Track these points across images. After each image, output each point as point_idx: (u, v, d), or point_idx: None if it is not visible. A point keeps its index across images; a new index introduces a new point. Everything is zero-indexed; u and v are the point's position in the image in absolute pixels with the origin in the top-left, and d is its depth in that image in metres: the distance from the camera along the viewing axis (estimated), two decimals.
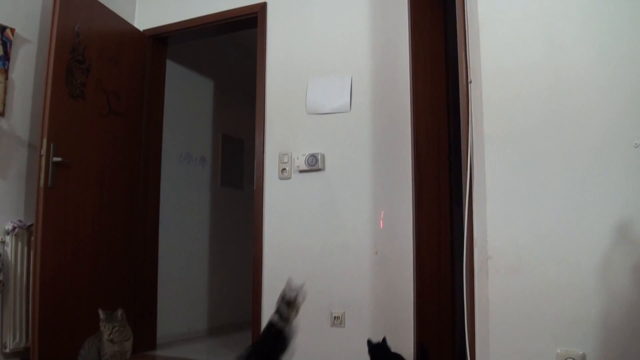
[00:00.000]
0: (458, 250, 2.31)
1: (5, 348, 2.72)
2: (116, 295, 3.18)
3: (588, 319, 1.74)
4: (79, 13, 3.01)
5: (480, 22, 2.05)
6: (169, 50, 3.85)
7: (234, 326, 4.44)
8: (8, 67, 2.90)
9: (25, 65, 3.03)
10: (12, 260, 2.78)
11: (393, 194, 2.79)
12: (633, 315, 1.68)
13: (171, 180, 3.92)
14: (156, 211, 3.63)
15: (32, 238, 2.78)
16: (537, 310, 1.82)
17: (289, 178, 3.05)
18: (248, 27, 3.46)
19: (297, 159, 3.02)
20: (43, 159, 2.75)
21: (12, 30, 2.92)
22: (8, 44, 2.89)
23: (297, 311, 2.20)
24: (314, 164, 2.96)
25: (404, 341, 2.62)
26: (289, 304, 2.19)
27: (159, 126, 3.70)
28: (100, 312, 2.35)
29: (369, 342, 2.42)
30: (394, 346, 2.45)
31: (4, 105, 2.87)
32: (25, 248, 2.86)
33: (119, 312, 2.36)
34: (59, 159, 2.79)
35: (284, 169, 3.06)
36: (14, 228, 2.80)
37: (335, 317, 2.82)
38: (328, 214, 2.93)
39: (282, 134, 3.12)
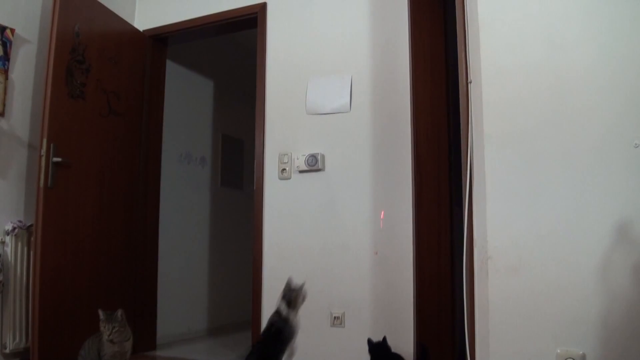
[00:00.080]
0: (458, 250, 2.31)
1: (5, 348, 2.71)
2: (116, 296, 3.18)
3: (588, 319, 1.74)
4: (79, 13, 3.02)
5: (480, 22, 2.05)
6: (169, 51, 3.85)
7: (234, 326, 4.44)
8: (8, 68, 2.90)
9: (25, 66, 3.03)
10: (12, 261, 2.78)
11: (393, 194, 2.79)
12: (633, 315, 1.68)
13: (171, 180, 3.92)
14: (156, 211, 3.63)
15: (32, 238, 2.78)
16: (537, 310, 1.82)
17: (289, 178, 3.05)
18: (248, 27, 3.46)
19: (297, 159, 3.02)
20: (43, 159, 2.75)
21: (12, 30, 2.92)
22: (8, 44, 2.89)
23: (297, 311, 2.20)
24: (314, 164, 2.96)
25: (404, 341, 2.62)
26: (289, 303, 2.19)
27: (159, 126, 3.70)
28: (100, 313, 2.35)
29: (369, 341, 2.42)
30: (394, 346, 2.45)
31: (4, 105, 2.87)
32: (25, 248, 2.86)
33: (119, 312, 2.36)
34: (58, 159, 2.79)
35: (284, 169, 3.06)
36: (14, 228, 2.80)
37: (335, 317, 2.82)
38: (328, 214, 2.93)
39: (282, 134, 3.12)
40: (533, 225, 1.87)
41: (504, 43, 2.01)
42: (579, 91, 1.86)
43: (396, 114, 2.84)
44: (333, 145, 2.97)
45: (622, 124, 1.78)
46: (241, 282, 4.49)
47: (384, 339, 2.41)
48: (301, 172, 3.02)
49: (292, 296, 2.19)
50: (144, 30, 3.64)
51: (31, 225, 2.84)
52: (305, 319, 2.40)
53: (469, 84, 2.07)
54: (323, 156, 2.98)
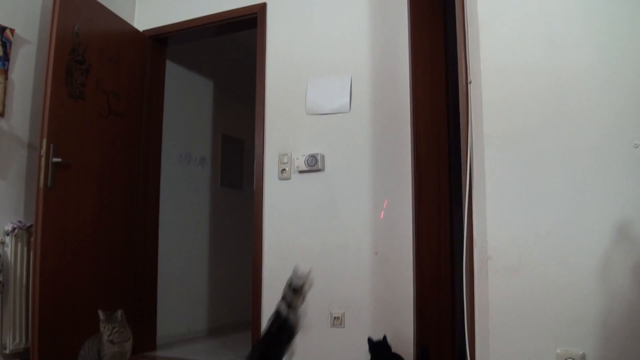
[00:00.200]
0: (458, 250, 2.31)
1: (5, 349, 2.71)
2: (116, 296, 3.18)
3: (588, 319, 1.74)
4: (78, 13, 3.01)
5: (480, 22, 2.05)
6: (169, 51, 3.85)
7: (234, 326, 4.44)
8: (8, 68, 2.90)
9: (25, 66, 3.03)
10: (12, 261, 2.78)
11: (393, 194, 2.79)
12: (633, 315, 1.69)
13: (171, 180, 3.92)
14: (156, 211, 3.63)
15: (32, 239, 2.78)
16: (537, 310, 1.82)
17: (289, 178, 3.05)
18: (248, 27, 3.46)
19: (297, 159, 3.02)
20: (43, 159, 2.75)
21: (12, 30, 2.92)
22: (8, 45, 2.89)
23: (303, 298, 2.19)
24: (314, 165, 2.96)
25: (404, 341, 2.62)
26: (295, 291, 2.18)
27: (158, 126, 3.70)
28: (100, 313, 2.35)
29: (370, 340, 2.42)
30: (394, 346, 2.45)
31: (4, 105, 2.87)
32: (25, 249, 2.86)
33: (119, 312, 2.36)
34: (58, 159, 2.79)
35: (284, 170, 3.06)
36: (14, 229, 2.80)
37: (335, 318, 2.82)
38: (328, 214, 2.93)
39: (282, 134, 3.12)
40: (533, 225, 1.87)
41: (503, 43, 2.01)
42: (578, 91, 1.86)
43: (396, 114, 2.84)
44: (333, 146, 2.97)
45: (622, 124, 1.78)
46: (241, 282, 4.49)
47: (384, 338, 2.41)
48: (301, 172, 3.02)
49: (298, 284, 2.18)
50: (143, 31, 3.64)
51: (31, 226, 2.84)
52: (305, 319, 2.40)
53: (468, 84, 2.07)
54: (323, 156, 2.98)
